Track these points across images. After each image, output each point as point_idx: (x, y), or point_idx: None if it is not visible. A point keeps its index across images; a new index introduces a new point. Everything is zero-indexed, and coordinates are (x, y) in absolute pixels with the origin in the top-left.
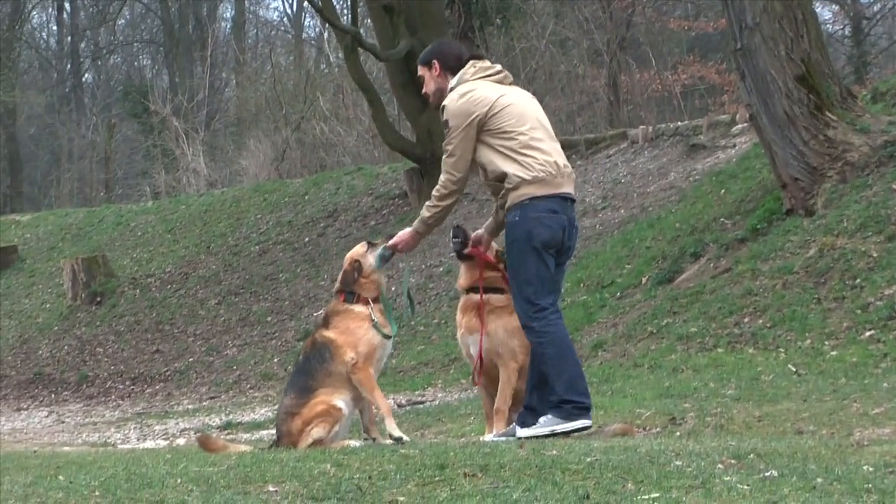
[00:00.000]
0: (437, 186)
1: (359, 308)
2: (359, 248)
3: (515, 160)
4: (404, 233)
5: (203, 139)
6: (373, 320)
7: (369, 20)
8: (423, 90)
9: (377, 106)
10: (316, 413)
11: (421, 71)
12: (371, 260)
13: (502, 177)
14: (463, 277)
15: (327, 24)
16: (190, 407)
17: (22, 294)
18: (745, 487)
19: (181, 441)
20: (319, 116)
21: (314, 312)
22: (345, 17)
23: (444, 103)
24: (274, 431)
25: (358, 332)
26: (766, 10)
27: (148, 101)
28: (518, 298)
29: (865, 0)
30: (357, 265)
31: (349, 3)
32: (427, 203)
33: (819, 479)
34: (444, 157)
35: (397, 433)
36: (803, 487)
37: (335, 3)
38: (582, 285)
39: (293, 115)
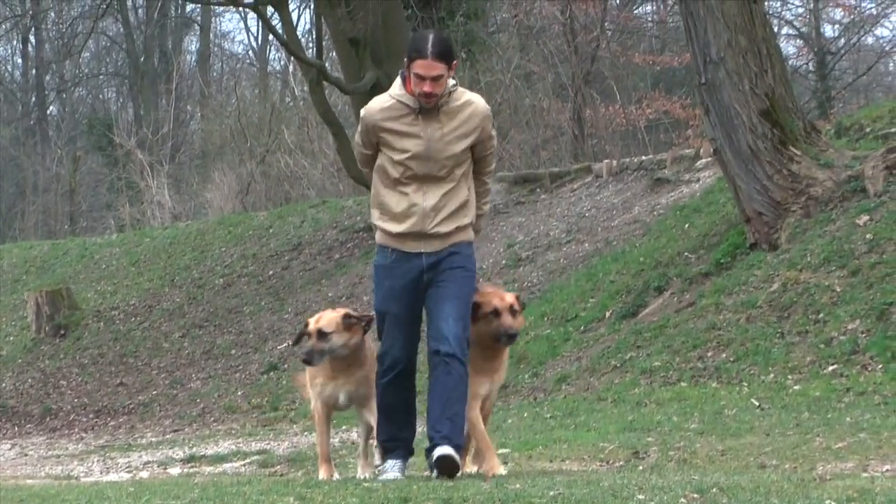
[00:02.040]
0: (489, 196)
1: None
2: None
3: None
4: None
5: (168, 172)
6: None
7: (334, 53)
8: (433, 90)
9: (342, 139)
10: None
11: (441, 70)
12: None
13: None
14: None
15: (292, 58)
16: (153, 440)
17: None
18: None
19: (144, 474)
20: (284, 149)
21: (278, 346)
22: (310, 51)
23: (487, 112)
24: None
25: None
26: (731, 44)
27: (113, 133)
28: (462, 331)
29: (830, 35)
30: None
31: (314, 37)
32: (482, 217)
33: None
34: (493, 165)
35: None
36: None
37: (300, 37)
38: (546, 319)
39: (258, 147)
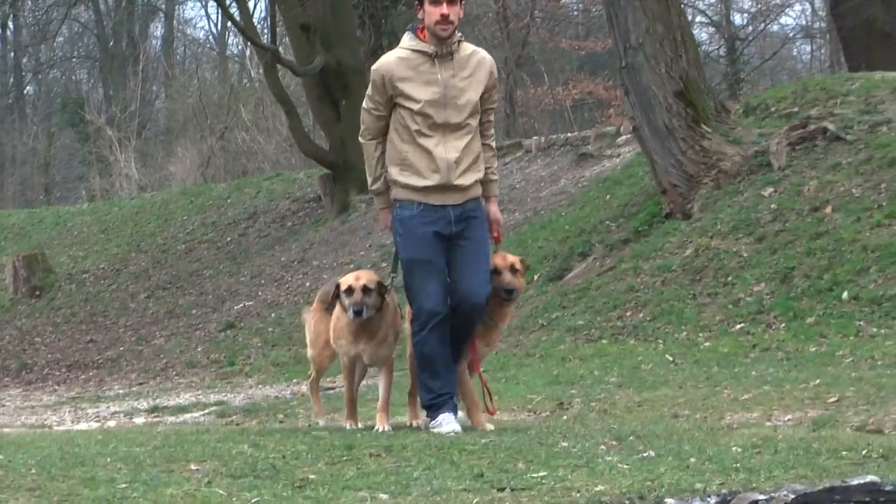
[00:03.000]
0: (496, 163)
1: None
2: None
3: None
4: (496, 211)
5: (135, 147)
6: None
7: (287, 39)
8: (450, 13)
9: (294, 117)
10: None
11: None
12: None
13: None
14: None
15: (249, 43)
16: (120, 392)
17: None
18: (625, 466)
19: (112, 423)
20: (242, 126)
21: (235, 306)
22: (265, 36)
23: (493, 61)
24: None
25: None
26: (649, 31)
27: (84, 112)
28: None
29: (739, 23)
30: None
31: (269, 23)
32: (494, 183)
33: (692, 459)
34: (493, 130)
35: None
36: (678, 466)
37: (256, 23)
38: None
39: (218, 125)
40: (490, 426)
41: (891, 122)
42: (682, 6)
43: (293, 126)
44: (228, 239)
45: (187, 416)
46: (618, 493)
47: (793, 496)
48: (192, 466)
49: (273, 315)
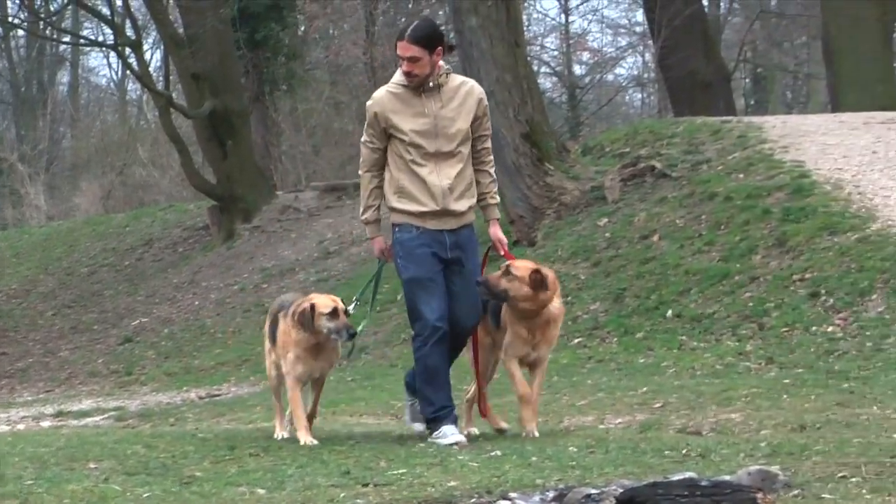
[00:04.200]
0: (496, 187)
1: None
2: None
3: None
4: (497, 232)
5: (43, 181)
6: None
7: (180, 85)
8: (410, 70)
9: (185, 155)
10: None
11: (416, 52)
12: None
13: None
14: None
15: (145, 89)
16: (29, 398)
17: None
18: (475, 464)
19: (21, 426)
20: (139, 163)
21: (132, 322)
22: (160, 83)
23: (482, 92)
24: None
25: None
26: (499, 80)
27: None
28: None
29: (578, 73)
30: None
31: (163, 72)
32: (496, 206)
33: (534, 458)
34: (492, 157)
35: None
36: (521, 464)
37: (152, 72)
38: (349, 301)
39: (117, 161)
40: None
41: (710, 161)
42: (528, 58)
43: (184, 163)
44: (127, 263)
45: (89, 420)
46: (468, 487)
47: (621, 490)
48: (92, 465)
49: (166, 330)
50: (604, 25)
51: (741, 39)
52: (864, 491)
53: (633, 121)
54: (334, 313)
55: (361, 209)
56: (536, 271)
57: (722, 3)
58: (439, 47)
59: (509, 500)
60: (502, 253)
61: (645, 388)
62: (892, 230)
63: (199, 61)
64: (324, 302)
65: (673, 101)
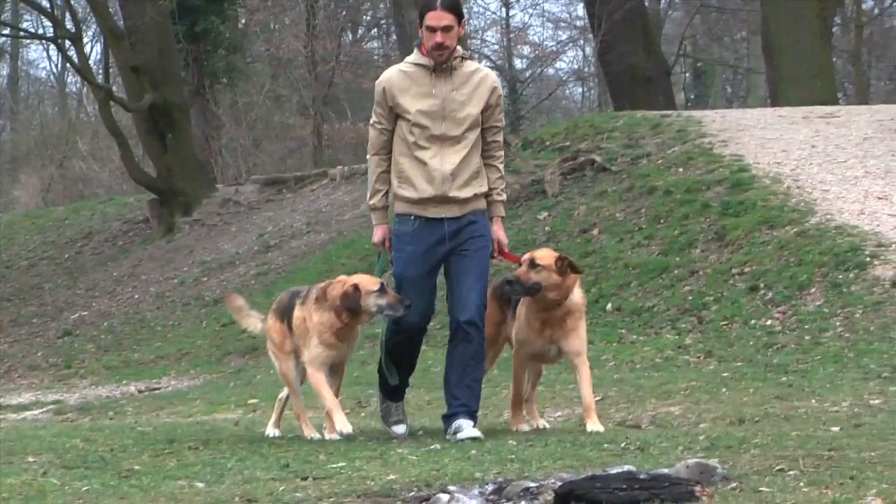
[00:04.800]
0: (504, 183)
1: None
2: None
3: None
4: (498, 231)
5: None
6: None
7: (120, 79)
8: (444, 41)
9: (125, 148)
10: None
11: (450, 20)
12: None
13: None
14: None
15: (85, 82)
16: None
17: None
18: (415, 457)
19: None
20: (79, 156)
21: (72, 315)
22: (100, 76)
23: (497, 81)
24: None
25: None
26: None
27: None
28: (483, 301)
29: (519, 67)
30: None
31: (103, 65)
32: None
33: (473, 451)
34: (502, 152)
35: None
36: (461, 458)
37: (92, 65)
38: None
39: (57, 154)
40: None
41: (650, 155)
42: (469, 51)
43: (124, 156)
44: (66, 256)
45: (28, 413)
46: (407, 481)
47: (559, 483)
48: (30, 459)
49: (106, 324)
50: (545, 19)
51: (681, 34)
52: (801, 484)
53: (573, 115)
54: (383, 290)
55: (369, 194)
56: (561, 258)
57: None
58: (464, 20)
59: (448, 493)
60: (499, 254)
61: None
62: (831, 224)
63: (138, 54)
64: (368, 280)
65: (613, 95)
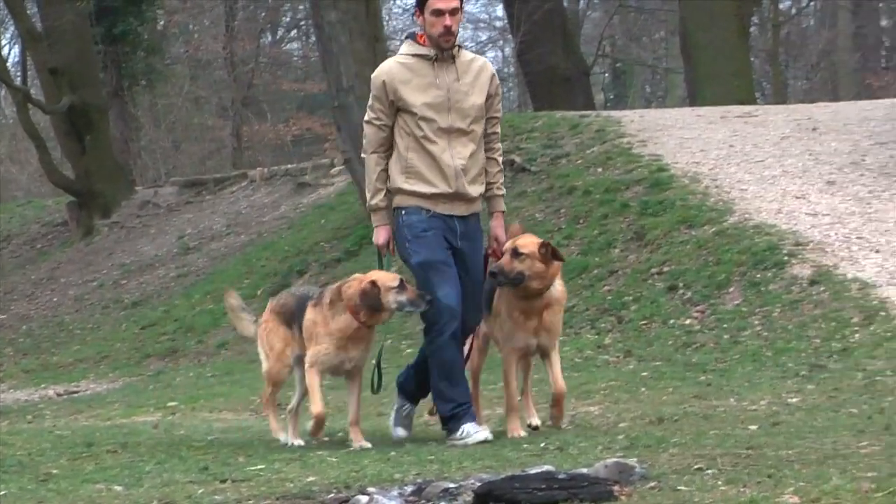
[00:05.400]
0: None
1: None
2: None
3: None
4: (497, 227)
5: None
6: None
7: (38, 80)
8: (452, 24)
9: (44, 151)
10: None
11: (457, 2)
12: None
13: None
14: None
15: (3, 84)
16: None
17: None
18: (334, 459)
19: None
20: None
21: None
22: (17, 78)
23: (493, 69)
24: None
25: None
26: (359, 75)
27: None
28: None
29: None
30: None
31: (21, 66)
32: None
33: (393, 453)
34: (500, 144)
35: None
36: (380, 459)
37: (9, 66)
38: (208, 296)
39: None
40: (522, 433)
41: (569, 156)
42: (389, 53)
43: (43, 159)
44: None
45: None
46: (326, 482)
47: (479, 484)
48: None
49: (24, 327)
50: (464, 20)
51: (600, 34)
52: (719, 482)
53: None
54: (402, 286)
55: (369, 195)
56: (544, 244)
57: None
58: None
59: (368, 494)
60: (491, 254)
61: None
62: (749, 223)
63: (56, 56)
64: (387, 276)
65: (532, 95)
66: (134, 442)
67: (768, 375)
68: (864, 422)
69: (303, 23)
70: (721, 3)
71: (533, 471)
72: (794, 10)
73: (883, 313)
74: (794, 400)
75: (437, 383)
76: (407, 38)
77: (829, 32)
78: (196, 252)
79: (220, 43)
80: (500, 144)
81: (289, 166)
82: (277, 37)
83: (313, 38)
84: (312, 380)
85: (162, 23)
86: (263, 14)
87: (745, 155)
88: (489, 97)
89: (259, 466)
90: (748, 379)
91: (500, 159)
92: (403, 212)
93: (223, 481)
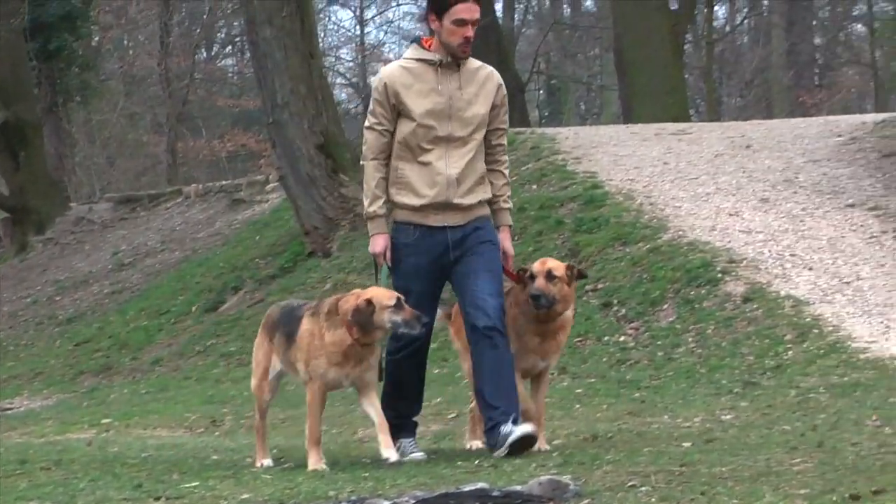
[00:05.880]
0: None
1: None
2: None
3: None
4: (505, 241)
5: None
6: None
7: None
8: (470, 35)
9: None
10: None
11: (479, 13)
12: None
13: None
14: None
15: None
16: None
17: None
18: (268, 476)
19: None
20: None
21: None
22: None
23: (501, 79)
24: None
25: None
26: (294, 91)
27: None
28: (500, 302)
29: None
30: None
31: None
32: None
33: (328, 470)
34: (506, 156)
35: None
36: (314, 476)
37: None
38: (143, 312)
39: None
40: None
41: None
42: (324, 69)
43: None
44: None
45: None
46: (261, 500)
47: (413, 501)
48: None
49: None
50: (399, 37)
51: (535, 51)
52: (653, 500)
53: None
54: (399, 305)
55: (367, 202)
56: (570, 267)
57: (516, 15)
58: None
59: None
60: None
61: (439, 399)
62: (683, 240)
63: None
64: (384, 294)
65: None
66: (68, 459)
67: (702, 392)
68: (797, 439)
69: (238, 39)
70: (655, 21)
71: (467, 488)
72: (727, 28)
73: (816, 331)
74: (728, 417)
75: (387, 389)
76: (412, 41)
77: (762, 50)
78: (130, 268)
79: (155, 59)
80: (506, 157)
81: (224, 182)
82: (212, 53)
83: (248, 55)
84: (311, 398)
85: (97, 39)
86: (198, 30)
87: (679, 172)
88: (494, 107)
89: (193, 483)
90: (682, 396)
91: (506, 171)
92: (396, 229)
93: (157, 499)
